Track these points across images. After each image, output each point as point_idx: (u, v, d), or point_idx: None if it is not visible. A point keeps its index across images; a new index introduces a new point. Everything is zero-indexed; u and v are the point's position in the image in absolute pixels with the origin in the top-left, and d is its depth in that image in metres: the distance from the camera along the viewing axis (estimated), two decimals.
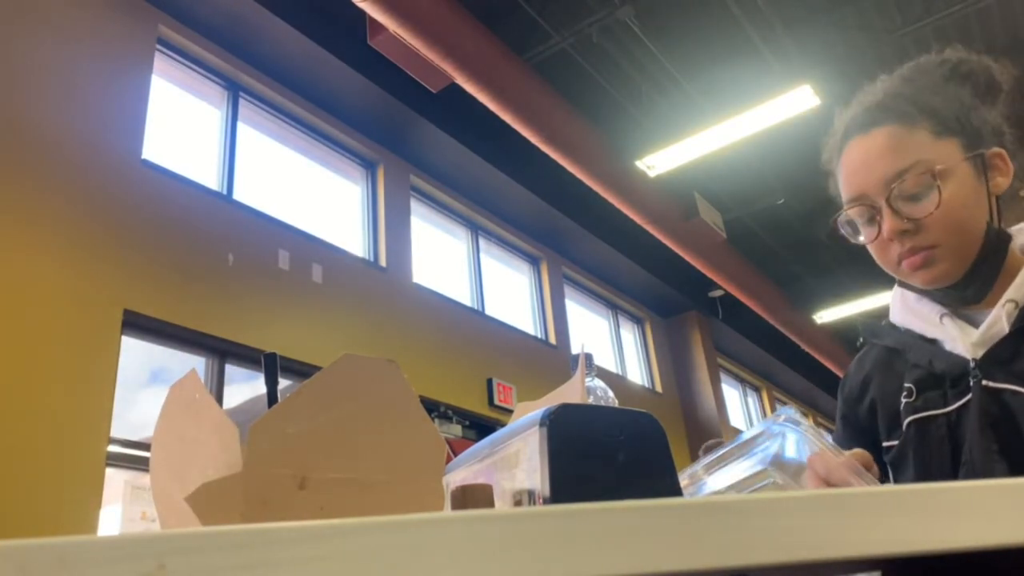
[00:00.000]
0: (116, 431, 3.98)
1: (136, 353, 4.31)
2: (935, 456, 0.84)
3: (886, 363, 0.94)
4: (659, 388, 9.70)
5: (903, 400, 0.88)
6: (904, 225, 0.84)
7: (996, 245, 0.85)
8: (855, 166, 0.89)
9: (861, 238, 0.90)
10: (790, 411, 0.65)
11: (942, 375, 0.85)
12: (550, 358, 7.70)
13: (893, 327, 0.94)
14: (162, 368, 4.55)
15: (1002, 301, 0.82)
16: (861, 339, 1.00)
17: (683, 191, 7.32)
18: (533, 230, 8.10)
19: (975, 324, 0.85)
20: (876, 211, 0.87)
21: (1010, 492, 0.38)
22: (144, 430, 4.12)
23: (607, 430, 0.59)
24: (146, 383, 4.51)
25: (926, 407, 0.85)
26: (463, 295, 7.10)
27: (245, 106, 5.58)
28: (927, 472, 0.85)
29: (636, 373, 9.55)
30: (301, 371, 4.63)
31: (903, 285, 0.93)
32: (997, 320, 0.82)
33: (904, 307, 0.93)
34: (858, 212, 0.89)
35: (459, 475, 0.72)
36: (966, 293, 0.87)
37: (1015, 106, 0.92)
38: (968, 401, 0.82)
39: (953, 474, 0.82)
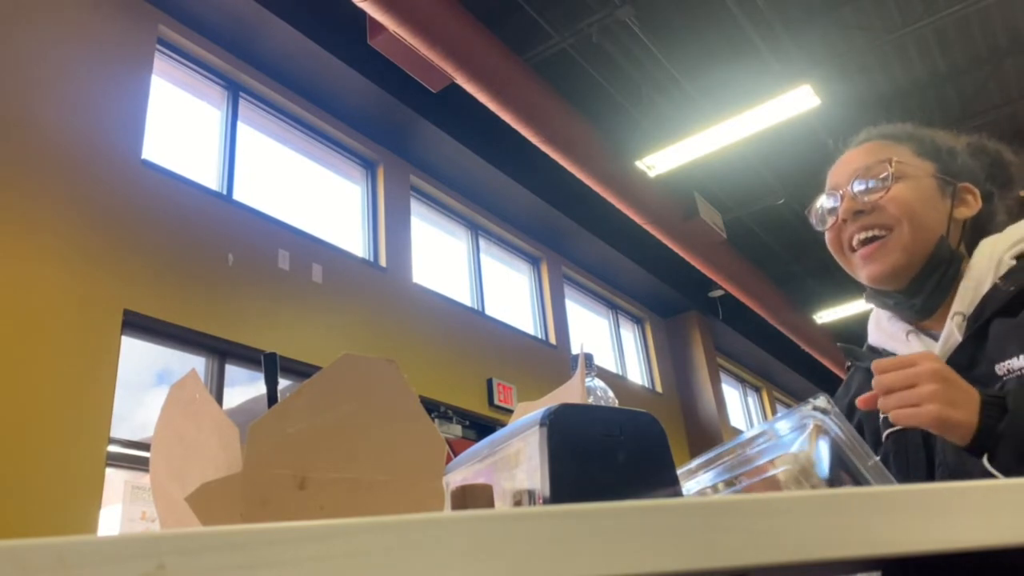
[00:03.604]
0: (122, 433, 3.99)
1: (142, 355, 4.32)
2: (912, 463, 0.89)
3: (868, 384, 0.98)
4: (659, 388, 9.70)
5: (880, 416, 0.94)
6: (858, 205, 0.94)
7: (947, 260, 0.92)
8: (836, 168, 1.01)
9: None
10: (821, 400, 0.65)
11: None
12: (550, 358, 7.70)
13: (872, 349, 1.01)
14: (167, 370, 4.56)
15: (950, 315, 0.89)
16: (848, 363, 1.07)
17: (683, 191, 7.32)
18: (533, 230, 8.10)
19: (937, 339, 0.92)
20: (841, 198, 0.97)
21: (1010, 492, 0.38)
22: (148, 431, 4.12)
23: (607, 430, 0.59)
24: (152, 384, 4.51)
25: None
26: (463, 295, 7.10)
27: (245, 106, 5.58)
28: (906, 479, 0.89)
29: (636, 373, 9.55)
30: (301, 371, 4.63)
31: (871, 297, 1.01)
32: (951, 333, 0.90)
33: (878, 329, 1.01)
34: (827, 200, 1.00)
35: (459, 475, 0.72)
36: (914, 302, 0.94)
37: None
38: None
39: (929, 478, 0.88)
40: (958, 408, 0.74)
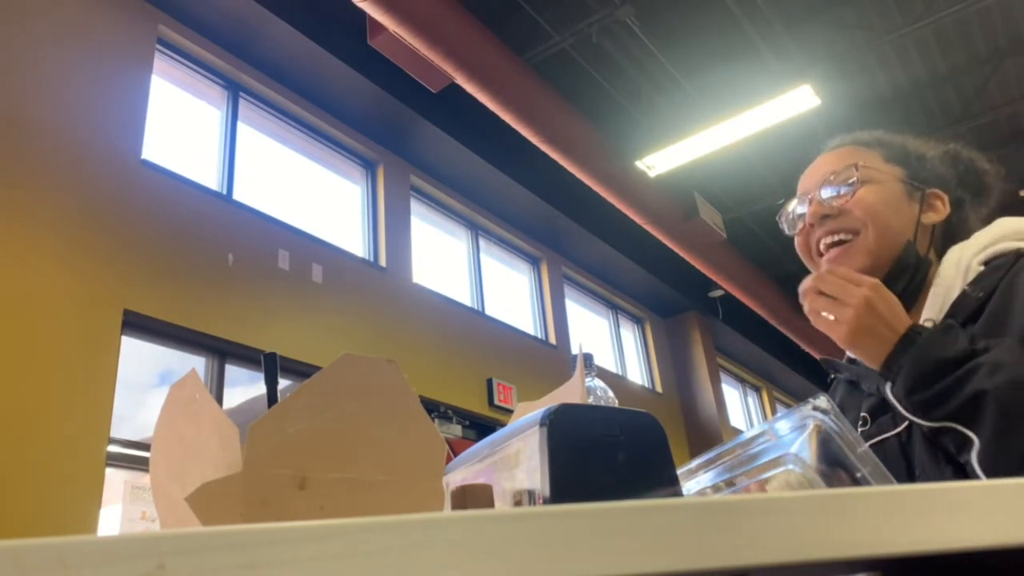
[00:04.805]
0: (124, 433, 3.99)
1: (142, 355, 4.32)
2: (892, 473, 0.88)
3: (849, 396, 1.01)
4: (659, 388, 9.71)
5: (859, 429, 0.94)
6: (825, 210, 0.97)
7: (914, 265, 0.93)
8: (806, 174, 1.04)
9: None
10: (821, 400, 0.65)
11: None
12: (550, 358, 7.70)
13: (852, 360, 1.00)
14: (167, 370, 4.56)
15: (921, 321, 0.90)
16: (831, 375, 1.07)
17: (683, 191, 7.32)
18: (533, 230, 8.10)
19: None
20: (809, 203, 1.00)
21: (1010, 492, 0.38)
22: (148, 431, 4.12)
23: (607, 430, 0.59)
24: (152, 385, 4.52)
25: (879, 431, 0.91)
26: (463, 295, 7.10)
27: (245, 106, 5.58)
28: None
29: (636, 373, 9.55)
30: (301, 371, 4.64)
31: None
32: None
33: None
34: (796, 205, 1.03)
35: (459, 475, 0.72)
36: None
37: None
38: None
39: None
40: (872, 337, 0.82)
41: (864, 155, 0.99)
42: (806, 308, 0.89)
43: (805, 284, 0.88)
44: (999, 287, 0.85)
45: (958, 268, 0.90)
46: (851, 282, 0.85)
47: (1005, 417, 0.72)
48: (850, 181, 0.96)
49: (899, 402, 0.81)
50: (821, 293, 0.86)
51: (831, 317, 0.85)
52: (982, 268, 0.89)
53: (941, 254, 0.95)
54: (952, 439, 0.77)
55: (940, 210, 0.97)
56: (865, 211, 0.94)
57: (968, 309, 0.86)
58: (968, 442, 0.75)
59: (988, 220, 1.01)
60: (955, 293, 0.88)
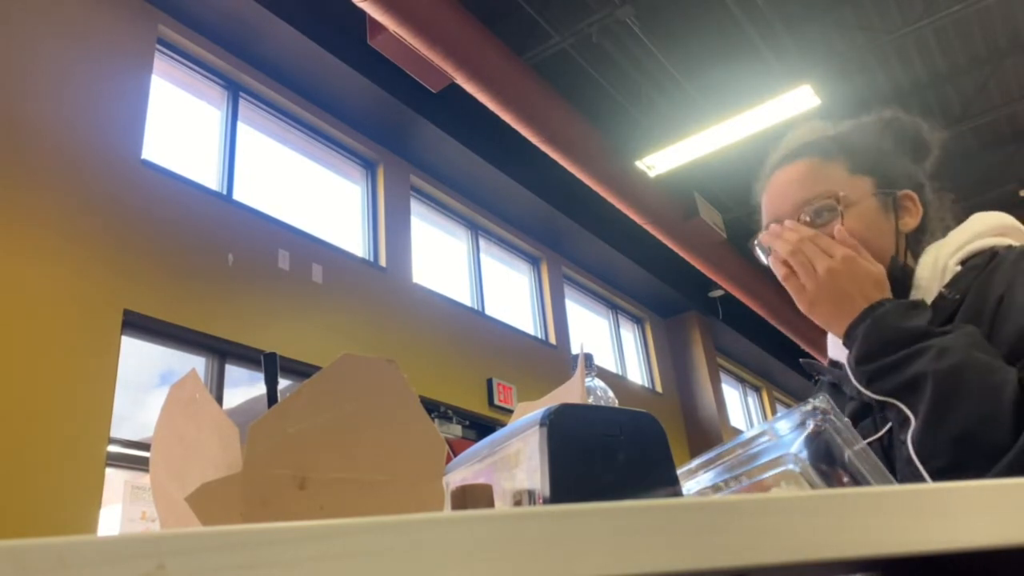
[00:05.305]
0: (124, 433, 3.99)
1: (142, 355, 4.32)
2: None
3: (832, 398, 0.98)
4: (659, 388, 9.71)
5: None
6: None
7: (901, 279, 0.91)
8: (773, 193, 0.99)
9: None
10: (820, 400, 0.65)
11: (869, 403, 0.88)
12: (550, 358, 7.70)
13: (833, 363, 0.99)
14: (168, 370, 4.56)
15: None
16: (815, 378, 1.05)
17: (683, 191, 7.32)
18: (533, 230, 8.10)
19: None
20: None
21: (1010, 492, 0.38)
22: (148, 431, 4.13)
23: (607, 430, 0.59)
24: (153, 385, 4.52)
25: (862, 436, 0.89)
26: (463, 295, 7.10)
27: (245, 106, 5.58)
28: None
29: (636, 373, 9.55)
30: (301, 371, 4.64)
31: None
32: None
33: (835, 343, 0.99)
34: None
35: (459, 475, 0.72)
36: None
37: (943, 164, 1.02)
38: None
39: None
40: (833, 307, 0.85)
41: (830, 169, 0.95)
42: (780, 263, 0.90)
43: (785, 237, 0.89)
44: (972, 287, 0.84)
45: (934, 270, 0.89)
46: (825, 252, 0.86)
47: (942, 400, 0.73)
48: (832, 213, 0.92)
49: (850, 369, 0.82)
50: (796, 253, 0.88)
51: (800, 281, 0.87)
52: (958, 269, 0.87)
53: (915, 251, 0.94)
54: (895, 416, 0.78)
55: (914, 211, 0.95)
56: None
57: (945, 312, 0.84)
58: (908, 421, 0.76)
59: (946, 205, 0.99)
60: (932, 297, 0.87)
